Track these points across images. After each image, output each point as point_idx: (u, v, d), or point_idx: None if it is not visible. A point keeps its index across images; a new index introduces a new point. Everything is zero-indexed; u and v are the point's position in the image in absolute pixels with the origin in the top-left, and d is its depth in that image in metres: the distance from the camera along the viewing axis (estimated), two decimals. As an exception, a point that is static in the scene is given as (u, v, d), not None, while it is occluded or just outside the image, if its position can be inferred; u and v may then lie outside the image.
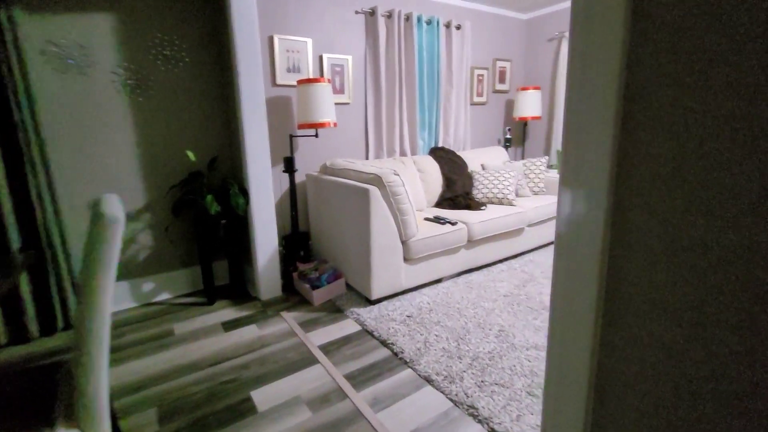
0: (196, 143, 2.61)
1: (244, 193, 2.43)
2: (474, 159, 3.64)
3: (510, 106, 4.37)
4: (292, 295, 2.60)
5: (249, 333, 2.13)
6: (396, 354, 1.90)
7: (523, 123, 4.34)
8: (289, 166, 2.68)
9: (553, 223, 3.39)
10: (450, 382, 1.66)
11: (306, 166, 3.06)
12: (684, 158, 0.59)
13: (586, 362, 0.73)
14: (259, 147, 2.39)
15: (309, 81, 2.53)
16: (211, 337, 2.10)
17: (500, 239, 2.98)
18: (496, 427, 1.42)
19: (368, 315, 2.27)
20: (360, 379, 1.72)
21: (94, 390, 0.92)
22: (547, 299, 2.41)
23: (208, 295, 2.48)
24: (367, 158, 3.36)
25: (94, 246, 0.86)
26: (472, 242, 2.80)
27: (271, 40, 2.74)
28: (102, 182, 2.33)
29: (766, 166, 0.51)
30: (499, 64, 4.14)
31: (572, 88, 0.68)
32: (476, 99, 4.04)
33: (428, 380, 1.69)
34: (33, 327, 2.08)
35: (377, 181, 2.33)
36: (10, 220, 1.97)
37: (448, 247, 2.61)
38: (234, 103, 2.52)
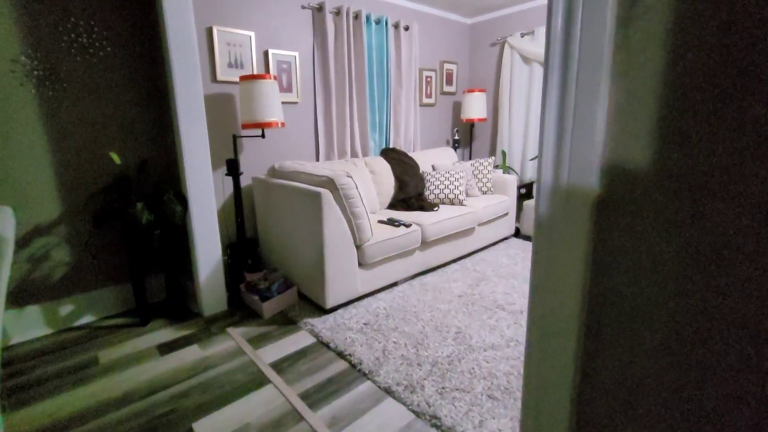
0: (123, 144, 2.32)
1: (182, 199, 2.20)
2: (425, 160, 3.65)
3: (457, 107, 4.46)
4: (239, 309, 2.41)
5: (190, 355, 1.93)
6: (354, 366, 1.81)
7: (470, 124, 4.45)
8: (233, 169, 2.48)
9: (502, 221, 3.51)
10: (411, 392, 1.61)
11: (252, 169, 2.86)
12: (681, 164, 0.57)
13: (569, 371, 0.70)
14: (198, 148, 2.18)
15: (253, 77, 2.36)
16: (145, 363, 1.87)
17: (453, 239, 3.02)
18: (459, 435, 1.39)
19: (323, 325, 2.16)
20: (316, 397, 1.62)
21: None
22: (499, 297, 2.46)
23: (141, 314, 2.22)
24: (317, 160, 3.24)
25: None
26: (426, 244, 2.79)
27: (210, 32, 2.52)
28: (3, 191, 1.98)
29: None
30: (447, 66, 4.21)
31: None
32: (425, 100, 4.07)
33: (388, 392, 1.63)
34: None
35: (329, 184, 2.23)
36: None
37: (403, 249, 2.58)
38: (167, 99, 2.28)
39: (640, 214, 0.60)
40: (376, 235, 2.44)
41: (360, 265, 2.39)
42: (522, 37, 3.81)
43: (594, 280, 0.67)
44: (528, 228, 3.63)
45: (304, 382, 1.71)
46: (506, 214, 3.52)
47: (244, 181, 2.83)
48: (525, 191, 4.02)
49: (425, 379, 1.69)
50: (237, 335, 2.10)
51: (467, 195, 3.48)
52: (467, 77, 4.49)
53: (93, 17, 2.14)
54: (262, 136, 2.55)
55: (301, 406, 1.55)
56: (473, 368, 1.76)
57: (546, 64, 0.60)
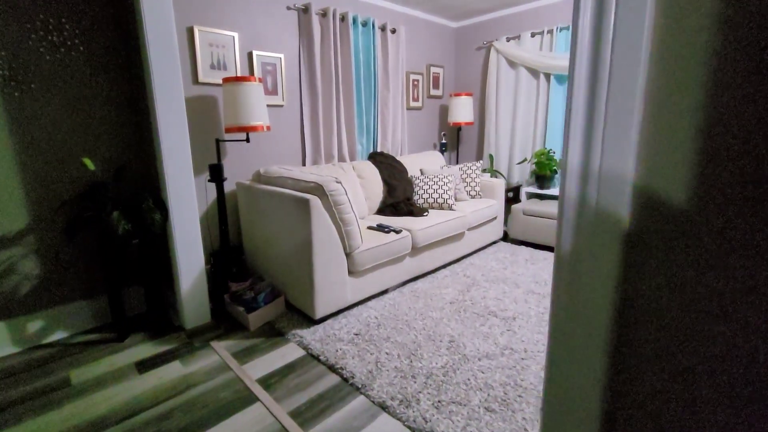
0: (97, 149, 2.19)
1: (161, 206, 2.09)
2: (413, 164, 3.62)
3: (444, 111, 4.45)
4: (223, 321, 2.31)
5: (171, 372, 1.82)
6: (346, 380, 1.74)
7: (457, 128, 4.44)
8: (217, 174, 2.38)
9: (491, 225, 3.50)
10: (406, 407, 1.55)
11: (236, 174, 2.76)
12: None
13: (597, 386, 0.65)
14: (179, 153, 2.07)
15: (237, 79, 2.27)
16: (122, 382, 1.75)
17: (443, 244, 2.98)
18: (458, 452, 1.34)
19: (312, 337, 2.09)
20: (308, 415, 1.54)
21: None
22: (491, 303, 2.43)
23: (118, 329, 2.09)
24: (304, 164, 3.16)
25: None
26: (416, 249, 2.75)
27: (191, 31, 2.41)
28: (-38, 198, 1.83)
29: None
30: (433, 69, 4.19)
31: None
32: (412, 104, 4.04)
33: (383, 407, 1.57)
34: None
35: (318, 190, 2.16)
36: None
37: (394, 256, 2.53)
38: (146, 101, 2.17)
39: (672, 251, 0.55)
40: (366, 242, 2.38)
41: (350, 272, 2.33)
42: (508, 41, 3.83)
43: (620, 324, 0.62)
44: (516, 232, 3.63)
45: (294, 399, 1.63)
46: (495, 218, 3.52)
47: (228, 186, 2.72)
48: (512, 195, 4.03)
49: (420, 392, 1.64)
50: (221, 349, 2.00)
51: (456, 199, 3.46)
52: (454, 81, 4.49)
53: (64, 14, 2.02)
54: (247, 140, 2.46)
55: (292, 426, 1.48)
56: (469, 379, 1.72)
57: (571, 81, 0.55)
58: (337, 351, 1.95)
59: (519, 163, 3.94)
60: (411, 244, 2.65)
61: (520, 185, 3.96)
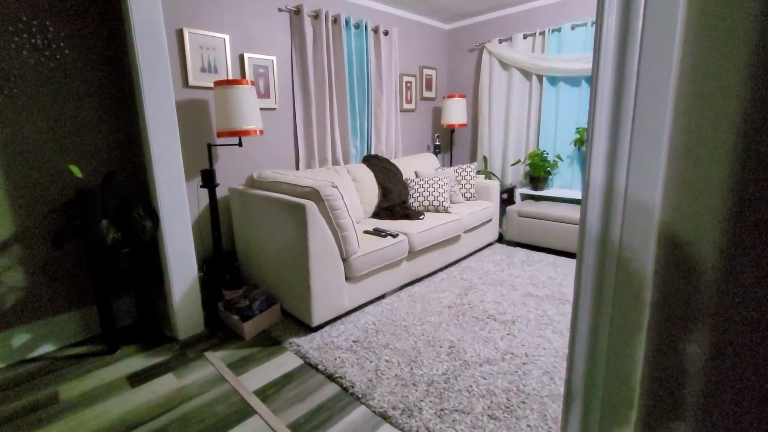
0: (85, 156, 2.12)
1: (152, 214, 2.03)
2: (407, 166, 3.59)
3: (437, 113, 4.44)
4: (217, 330, 2.25)
5: (165, 385, 1.76)
6: (346, 389, 1.71)
7: (451, 130, 4.44)
8: (209, 179, 2.33)
9: (486, 227, 3.49)
10: (409, 416, 1.52)
11: (228, 179, 2.71)
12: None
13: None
14: (170, 159, 2.02)
15: (229, 83, 2.22)
16: (113, 397, 1.69)
17: (439, 248, 2.96)
18: (463, 462, 1.32)
19: (310, 345, 2.05)
20: (307, 427, 1.50)
21: None
22: (489, 307, 2.42)
23: (108, 340, 2.02)
24: (297, 168, 3.11)
25: None
26: (413, 253, 2.72)
27: (180, 34, 2.36)
28: (-58, 208, 1.76)
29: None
30: (426, 71, 4.18)
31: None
32: (406, 106, 4.02)
33: (384, 417, 1.54)
34: None
35: (314, 195, 2.12)
36: None
37: (391, 260, 2.50)
38: (135, 105, 2.11)
39: (699, 306, 0.52)
40: (363, 247, 2.35)
41: (347, 278, 2.29)
42: (500, 43, 3.83)
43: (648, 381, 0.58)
44: (511, 233, 3.63)
45: (292, 411, 1.59)
46: (490, 220, 3.51)
47: (220, 192, 2.67)
48: (507, 196, 4.03)
49: (422, 400, 1.61)
50: (216, 360, 1.94)
51: (451, 201, 3.45)
52: (447, 83, 4.48)
53: (49, 16, 1.95)
54: (239, 144, 2.41)
55: (292, 439, 1.44)
56: (471, 386, 1.69)
57: (593, 98, 0.53)
58: (335, 359, 1.91)
59: (513, 165, 3.94)
60: (408, 248, 2.62)
61: (514, 186, 3.97)
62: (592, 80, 0.53)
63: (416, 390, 1.68)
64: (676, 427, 0.57)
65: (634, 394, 0.61)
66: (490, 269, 3.06)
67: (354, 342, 2.07)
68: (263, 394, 1.69)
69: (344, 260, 2.25)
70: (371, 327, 2.22)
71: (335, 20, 3.09)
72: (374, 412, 1.57)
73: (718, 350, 0.52)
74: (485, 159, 4.08)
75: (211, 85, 2.51)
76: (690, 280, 0.53)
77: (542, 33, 3.55)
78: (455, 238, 3.10)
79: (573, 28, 3.38)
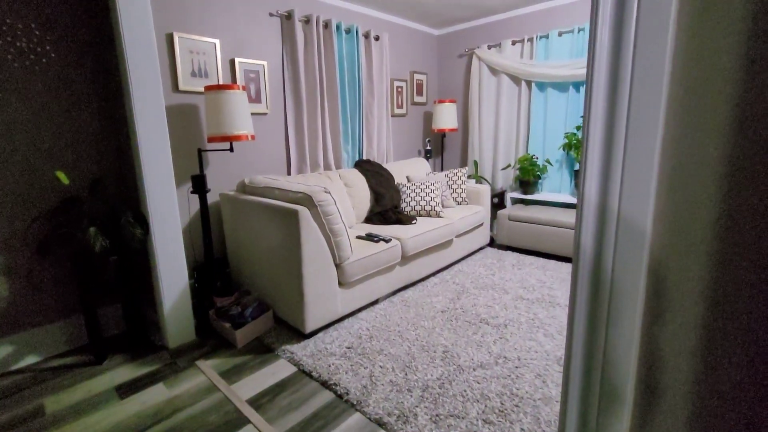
0: (71, 162, 2.08)
1: (142, 221, 2.00)
2: (399, 171, 3.61)
3: (428, 117, 4.47)
4: (209, 338, 2.22)
5: (154, 396, 1.73)
6: (340, 396, 1.70)
7: (441, 135, 4.47)
8: (200, 185, 2.30)
9: (478, 231, 3.52)
10: (404, 422, 1.52)
11: (219, 185, 2.68)
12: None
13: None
14: (160, 164, 1.99)
15: (220, 88, 2.21)
16: (102, 409, 1.65)
17: (432, 252, 2.97)
18: (459, 468, 1.32)
19: (303, 352, 2.03)
20: (303, 435, 1.49)
21: None
22: (482, 311, 2.44)
23: (96, 351, 1.98)
24: (289, 173, 3.10)
25: None
26: (405, 258, 2.73)
27: (170, 38, 2.34)
28: None
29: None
30: (417, 76, 4.21)
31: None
32: (397, 111, 4.04)
33: (380, 424, 1.53)
34: None
35: (307, 200, 2.12)
36: None
37: (384, 265, 2.50)
38: (124, 110, 2.08)
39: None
40: (356, 252, 2.34)
41: (340, 284, 2.28)
42: (489, 49, 3.89)
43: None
44: (502, 237, 3.67)
45: (287, 420, 1.57)
46: (481, 224, 3.54)
47: (211, 197, 2.64)
48: (497, 200, 4.08)
49: (417, 406, 1.61)
50: (208, 369, 1.92)
51: (443, 206, 3.47)
52: (437, 88, 4.52)
53: (34, 19, 1.91)
54: (230, 149, 2.39)
55: (287, 449, 1.42)
56: (465, 390, 1.70)
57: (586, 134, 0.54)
58: (329, 366, 1.90)
59: (503, 169, 3.99)
60: (401, 252, 2.63)
61: (505, 191, 4.01)
62: (586, 102, 0.55)
63: (411, 396, 1.68)
64: (668, 424, 0.58)
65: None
66: (481, 273, 3.08)
67: (348, 348, 2.06)
68: (257, 402, 1.67)
69: (337, 266, 2.25)
70: (365, 333, 2.21)
71: (326, 25, 3.10)
72: (369, 418, 1.56)
73: (709, 363, 0.54)
74: (476, 163, 4.13)
75: (202, 89, 2.49)
76: (681, 292, 0.54)
77: (530, 39, 3.61)
78: (447, 243, 3.12)
79: (560, 34, 3.44)
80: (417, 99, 4.26)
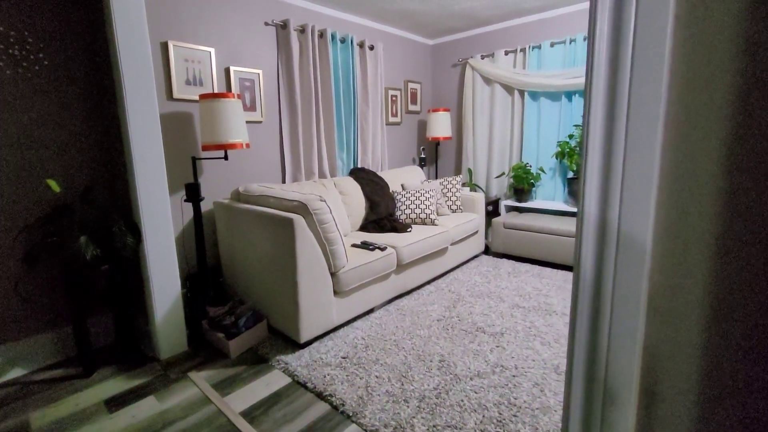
0: (62, 169, 2.05)
1: (134, 229, 1.97)
2: (394, 179, 3.61)
3: (422, 126, 4.50)
4: (201, 349, 2.18)
5: (145, 409, 1.69)
6: (336, 408, 1.67)
7: (436, 143, 4.50)
8: (194, 193, 2.28)
9: (472, 239, 3.52)
10: (401, 434, 1.50)
11: (213, 193, 2.66)
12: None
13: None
14: (153, 172, 1.97)
15: (215, 96, 2.20)
16: (90, 423, 1.60)
17: (427, 260, 2.97)
18: (457, 480, 1.30)
19: (298, 362, 2.00)
20: (298, 449, 1.46)
21: None
22: (478, 319, 2.42)
23: (84, 362, 1.93)
24: (284, 182, 3.09)
25: None
26: (401, 266, 2.72)
27: (165, 47, 2.33)
28: None
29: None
30: (411, 85, 4.25)
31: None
32: (391, 119, 4.06)
33: (377, 435, 1.51)
34: None
35: (302, 209, 2.10)
36: None
37: (379, 274, 2.49)
38: (117, 118, 2.06)
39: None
40: (351, 261, 2.33)
41: (335, 293, 2.26)
42: (482, 58, 3.94)
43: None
44: (497, 245, 3.67)
45: (281, 432, 1.54)
46: (476, 232, 3.55)
47: (205, 206, 2.61)
48: (491, 208, 4.09)
49: (414, 417, 1.59)
50: (201, 380, 1.88)
51: (438, 214, 3.47)
52: (431, 96, 4.56)
53: (27, 27, 1.90)
54: (225, 157, 2.38)
55: (281, 462, 1.39)
56: (462, 400, 1.68)
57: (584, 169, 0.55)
58: (324, 376, 1.87)
59: (497, 177, 4.01)
60: (396, 261, 2.61)
61: (499, 198, 4.03)
62: (585, 119, 0.55)
63: (408, 406, 1.65)
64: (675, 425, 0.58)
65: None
66: (477, 281, 3.08)
67: (343, 358, 2.03)
68: (250, 415, 1.64)
69: (333, 274, 2.23)
70: (360, 342, 2.19)
71: (321, 35, 3.12)
72: (365, 430, 1.54)
73: (710, 367, 0.53)
74: (470, 171, 4.15)
75: (196, 98, 2.48)
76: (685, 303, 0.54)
77: (523, 50, 3.67)
78: (443, 251, 3.12)
79: (552, 45, 3.50)
80: (411, 107, 4.29)
